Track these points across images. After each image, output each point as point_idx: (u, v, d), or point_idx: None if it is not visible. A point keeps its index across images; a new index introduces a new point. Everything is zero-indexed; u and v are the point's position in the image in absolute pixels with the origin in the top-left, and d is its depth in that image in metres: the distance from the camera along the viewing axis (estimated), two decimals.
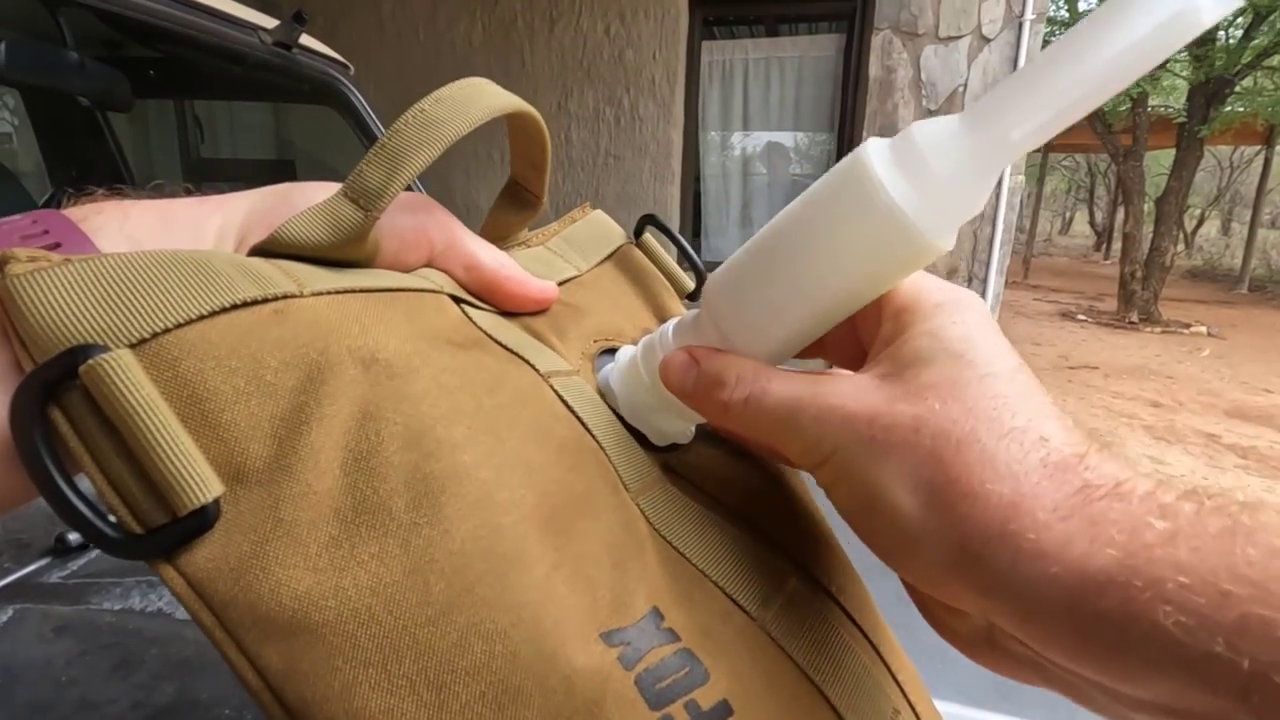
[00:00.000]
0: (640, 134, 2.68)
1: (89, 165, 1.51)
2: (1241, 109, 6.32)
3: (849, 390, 0.18)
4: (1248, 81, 6.03)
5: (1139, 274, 6.32)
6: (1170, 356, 5.31)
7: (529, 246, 0.29)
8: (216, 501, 0.15)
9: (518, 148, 0.27)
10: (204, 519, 0.14)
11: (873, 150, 0.17)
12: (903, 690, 0.22)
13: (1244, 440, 3.48)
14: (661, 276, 0.32)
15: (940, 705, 0.43)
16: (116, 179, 1.55)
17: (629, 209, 2.77)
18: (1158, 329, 6.26)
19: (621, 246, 0.32)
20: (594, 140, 2.72)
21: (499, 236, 0.29)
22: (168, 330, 0.15)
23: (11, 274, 0.14)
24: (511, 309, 0.24)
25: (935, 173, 0.16)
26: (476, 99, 0.21)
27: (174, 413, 0.15)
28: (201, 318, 0.15)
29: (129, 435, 0.14)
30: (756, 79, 2.82)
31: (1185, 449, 3.34)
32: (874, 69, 2.73)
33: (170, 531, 0.14)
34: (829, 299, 0.18)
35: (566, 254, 0.30)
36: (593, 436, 0.21)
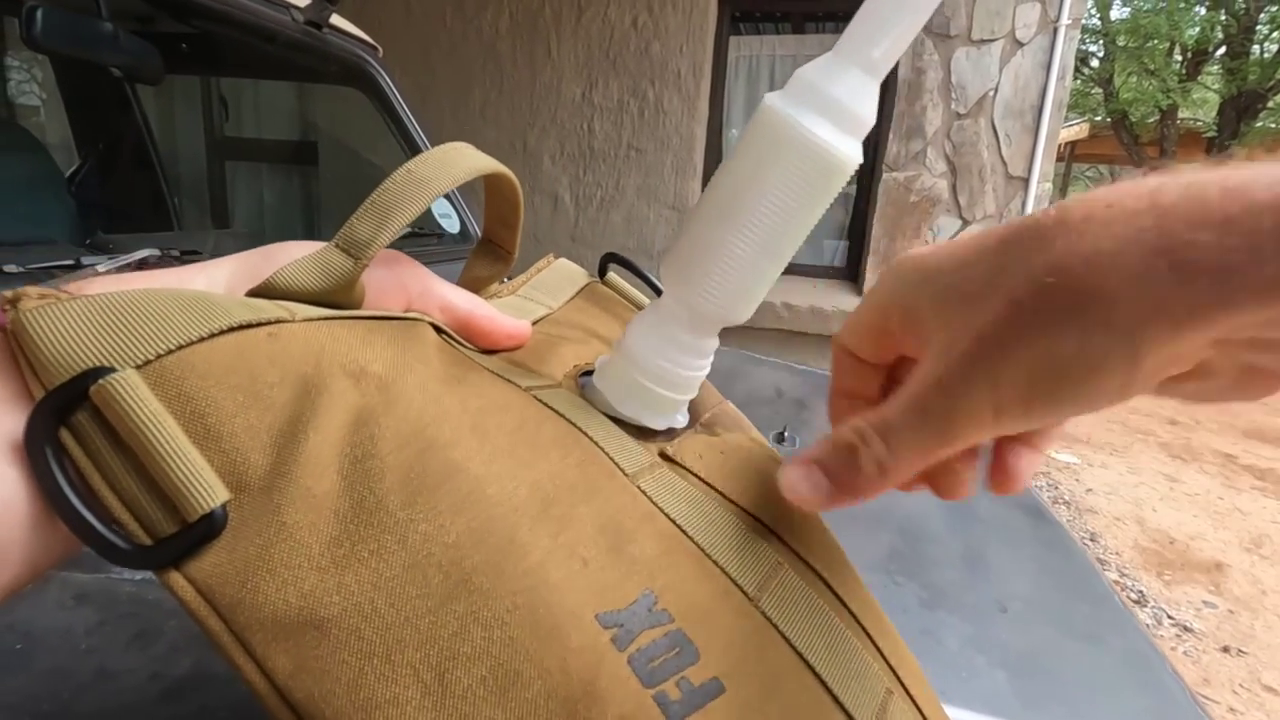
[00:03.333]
0: (664, 127, 2.67)
1: (116, 138, 1.52)
2: (1273, 124, 6.20)
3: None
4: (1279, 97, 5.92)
5: None
6: None
7: (500, 297, 0.31)
8: (224, 507, 0.16)
9: (492, 206, 0.29)
10: (212, 525, 0.15)
11: (774, 98, 0.20)
12: (895, 672, 0.23)
13: (1261, 461, 3.42)
14: (628, 304, 0.34)
15: (962, 714, 0.42)
16: (142, 153, 1.56)
17: (649, 202, 2.75)
18: None
19: (588, 284, 0.34)
20: (617, 132, 2.71)
21: (471, 289, 0.30)
22: (170, 352, 0.16)
23: (24, 308, 0.16)
24: (487, 346, 0.26)
25: (827, 98, 0.19)
26: (459, 160, 0.24)
27: (181, 427, 0.16)
28: (201, 339, 0.17)
29: (139, 448, 0.15)
30: (782, 76, 2.78)
31: (1201, 468, 3.29)
32: (903, 70, 2.70)
33: (180, 539, 0.15)
34: (773, 233, 0.20)
35: (536, 298, 0.32)
36: (582, 431, 0.22)
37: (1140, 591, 2.19)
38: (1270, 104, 5.81)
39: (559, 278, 0.34)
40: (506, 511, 0.18)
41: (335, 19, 1.15)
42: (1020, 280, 0.16)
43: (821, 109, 0.19)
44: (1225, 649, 1.94)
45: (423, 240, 1.19)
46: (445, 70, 2.73)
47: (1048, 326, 0.16)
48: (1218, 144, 5.90)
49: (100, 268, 0.62)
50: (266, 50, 1.08)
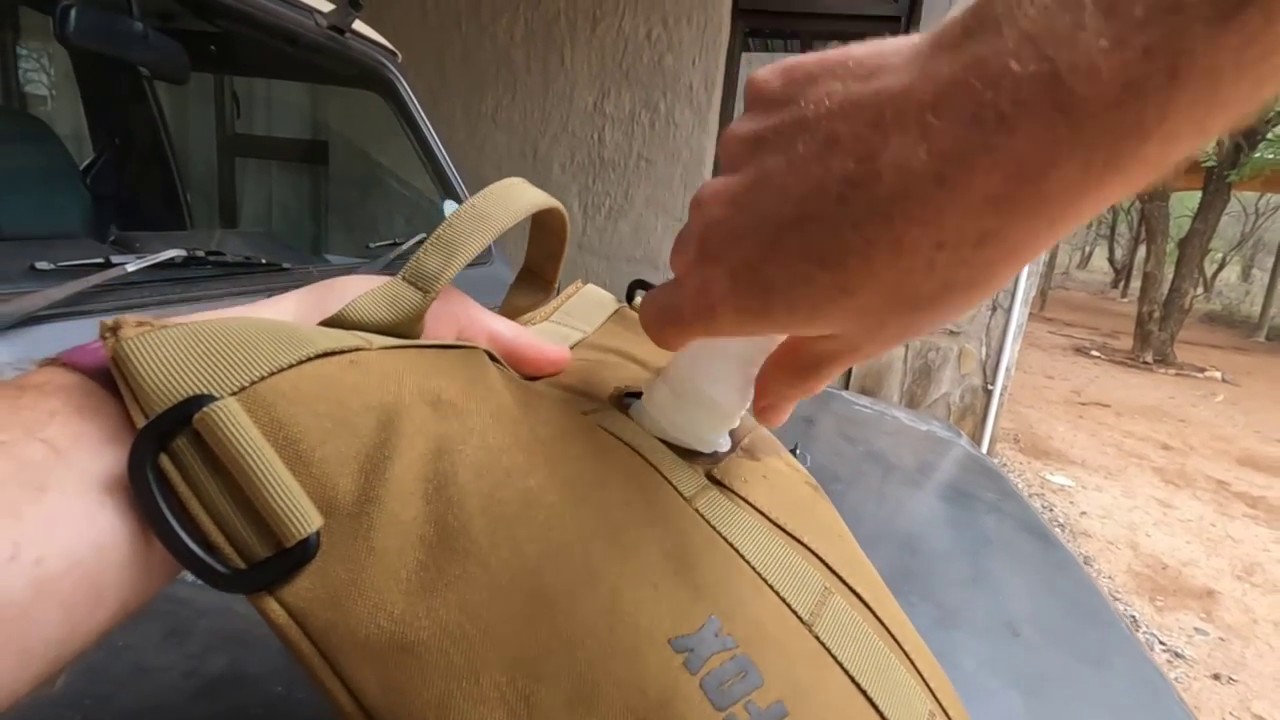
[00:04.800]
0: (674, 139, 2.69)
1: (131, 132, 1.52)
2: (1271, 156, 6.27)
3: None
4: (1279, 129, 5.99)
5: (1157, 314, 6.28)
6: (1184, 399, 5.27)
7: (533, 324, 0.32)
8: (317, 533, 0.16)
9: (538, 239, 0.30)
10: (306, 550, 0.16)
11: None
12: (935, 695, 0.23)
13: (1254, 489, 3.44)
14: None
15: None
16: (157, 147, 1.56)
17: (658, 213, 2.77)
18: (1172, 371, 6.21)
19: (618, 309, 0.35)
20: (628, 142, 2.73)
21: (509, 317, 0.31)
22: (263, 379, 0.16)
23: (124, 337, 0.16)
24: (531, 373, 0.27)
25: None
26: (518, 197, 0.25)
27: (276, 453, 0.16)
28: (290, 366, 0.17)
29: (240, 474, 0.16)
30: None
31: (1194, 494, 3.31)
32: None
33: (275, 564, 0.16)
34: None
35: (570, 323, 0.33)
36: (641, 456, 0.23)
37: (1133, 617, 2.20)
38: (1269, 135, 5.89)
39: (589, 303, 0.35)
40: (581, 538, 0.19)
41: (357, 24, 1.16)
42: None
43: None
44: (1216, 676, 1.94)
45: None
46: (458, 75, 2.75)
47: None
48: (1217, 173, 5.97)
49: (129, 267, 0.63)
50: (289, 52, 1.09)
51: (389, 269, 0.85)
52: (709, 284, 0.18)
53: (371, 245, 1.15)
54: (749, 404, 0.26)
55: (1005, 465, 3.38)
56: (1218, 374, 6.29)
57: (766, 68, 0.18)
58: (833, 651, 0.21)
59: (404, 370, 0.19)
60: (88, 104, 1.47)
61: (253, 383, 0.16)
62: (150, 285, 0.65)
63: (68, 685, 0.34)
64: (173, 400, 0.16)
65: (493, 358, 0.24)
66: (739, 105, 2.81)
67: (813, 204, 0.15)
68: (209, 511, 0.16)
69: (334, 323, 0.21)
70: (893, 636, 0.23)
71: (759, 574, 0.21)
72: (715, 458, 0.26)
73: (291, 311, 0.22)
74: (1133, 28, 0.11)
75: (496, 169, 2.84)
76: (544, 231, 0.29)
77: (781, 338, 0.22)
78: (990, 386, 2.77)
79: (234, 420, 0.15)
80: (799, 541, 0.24)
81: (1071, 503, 3.07)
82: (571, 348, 0.30)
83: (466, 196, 1.29)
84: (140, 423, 0.16)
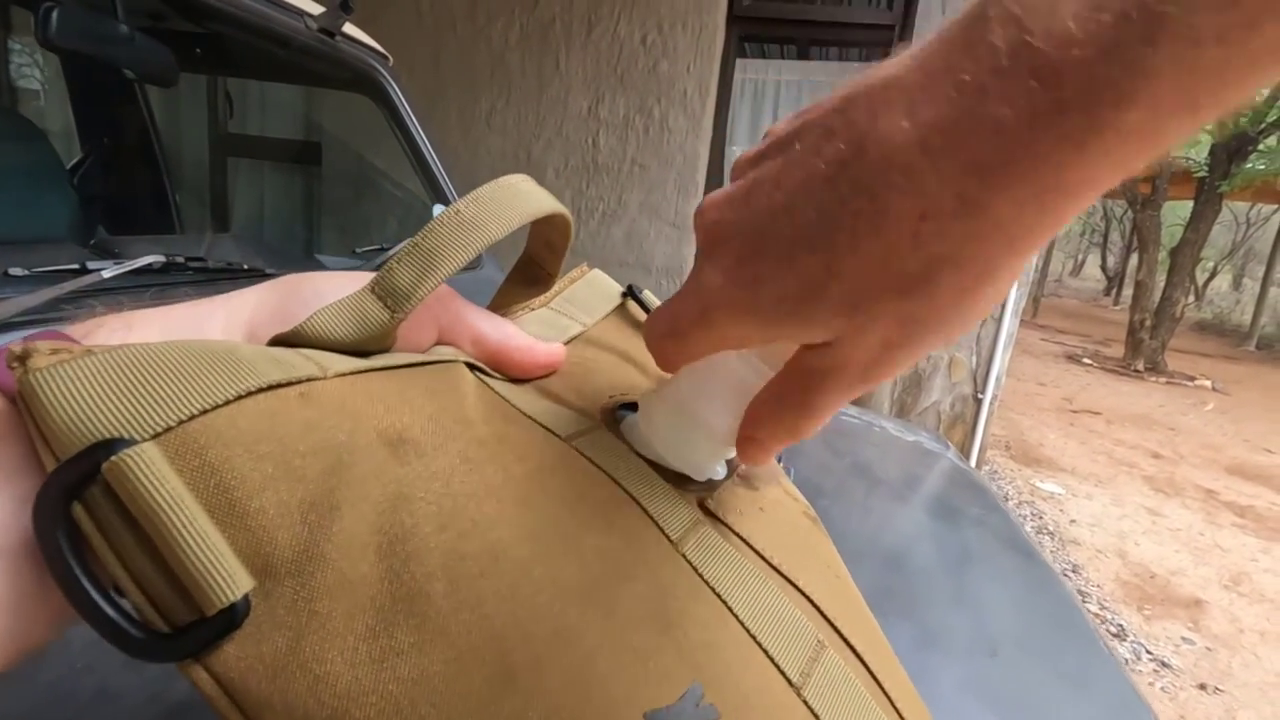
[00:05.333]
0: (668, 145, 2.69)
1: (119, 132, 1.51)
2: (1263, 167, 6.32)
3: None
4: (1271, 140, 6.03)
5: (1148, 323, 6.32)
6: (1174, 408, 5.30)
7: (532, 309, 0.29)
8: (246, 598, 0.14)
9: (539, 230, 0.27)
10: (233, 617, 0.14)
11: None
12: None
13: (1242, 499, 3.46)
14: None
15: None
16: (146, 148, 1.55)
17: (651, 218, 2.77)
18: (1163, 379, 6.25)
19: (623, 302, 0.32)
20: (622, 147, 2.73)
21: (504, 306, 0.29)
22: (194, 417, 0.15)
23: (34, 368, 0.14)
24: (520, 375, 0.25)
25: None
26: (514, 203, 0.22)
27: (200, 505, 0.14)
28: (228, 402, 0.15)
29: (153, 532, 0.14)
30: (787, 101, 2.83)
31: (1183, 503, 3.32)
32: None
33: (198, 631, 0.14)
34: None
35: (570, 312, 0.30)
36: (627, 492, 0.21)
37: (1120, 625, 2.21)
38: (1260, 147, 5.93)
39: (593, 292, 0.32)
40: (553, 596, 0.17)
41: (348, 27, 1.16)
42: None
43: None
44: (1202, 686, 1.95)
45: None
46: (453, 78, 2.74)
47: None
48: (1208, 184, 6.01)
49: (106, 273, 0.62)
50: (279, 55, 1.09)
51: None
52: (704, 285, 0.18)
53: (359, 250, 1.15)
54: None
55: (996, 472, 3.39)
56: (1208, 382, 6.33)
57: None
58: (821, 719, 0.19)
59: (362, 403, 0.17)
60: (76, 103, 1.46)
61: (181, 422, 0.14)
62: (127, 291, 0.64)
63: (32, 710, 0.34)
64: (85, 443, 0.14)
65: (474, 366, 0.22)
66: (734, 111, 2.81)
67: (803, 190, 0.15)
68: (127, 568, 0.14)
69: (291, 338, 0.19)
70: (885, 694, 0.22)
71: (748, 630, 0.20)
72: (710, 485, 0.24)
73: (249, 311, 0.21)
74: None
75: (490, 172, 2.81)
76: (547, 225, 0.26)
77: (778, 366, 0.21)
78: (980, 395, 2.78)
79: (147, 469, 0.14)
80: (793, 584, 0.22)
81: (1061, 510, 3.08)
82: (568, 341, 0.28)
83: (456, 199, 1.27)
84: (50, 467, 0.14)
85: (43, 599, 0.15)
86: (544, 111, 2.76)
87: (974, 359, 2.76)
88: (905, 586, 0.57)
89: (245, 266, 0.78)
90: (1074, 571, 2.54)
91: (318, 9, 1.09)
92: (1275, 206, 10.42)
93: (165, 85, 0.98)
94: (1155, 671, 2.00)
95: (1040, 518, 2.98)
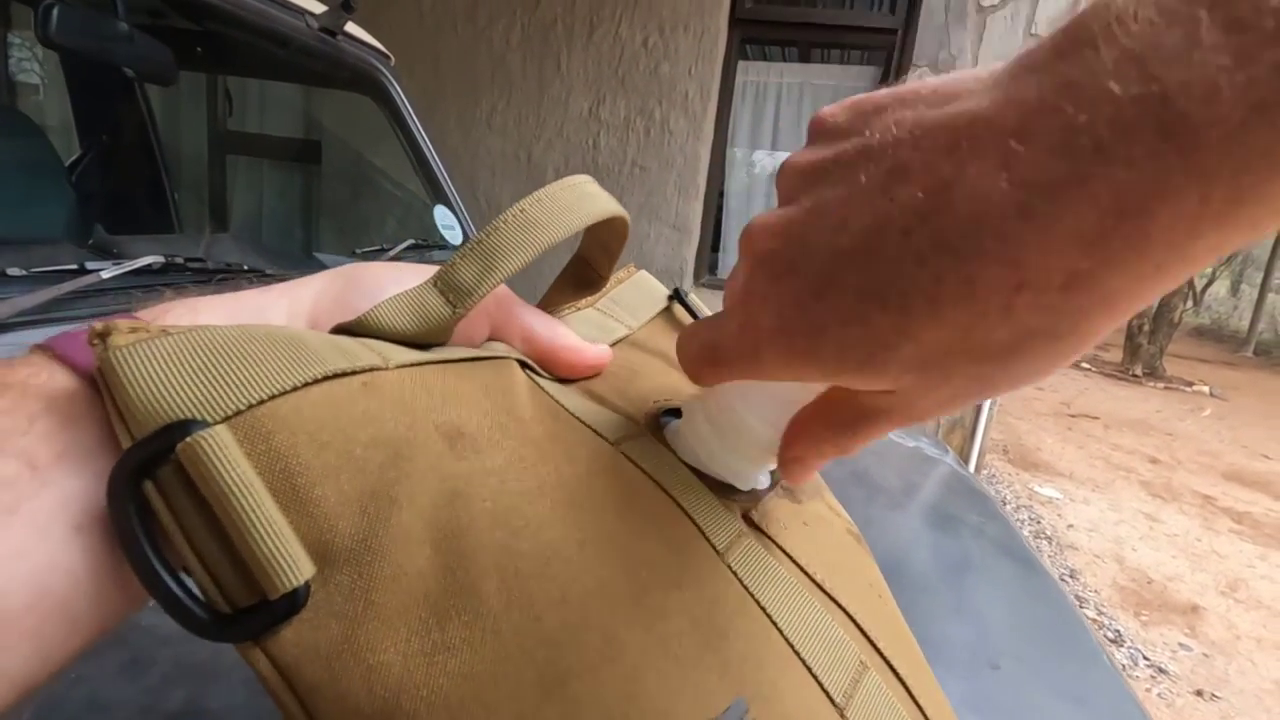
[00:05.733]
0: (669, 147, 2.68)
1: (118, 129, 1.50)
2: None
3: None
4: None
5: (1146, 327, 6.33)
6: (1171, 413, 5.30)
7: (578, 309, 0.29)
8: (307, 584, 0.14)
9: (595, 232, 0.26)
10: (294, 602, 0.14)
11: None
12: None
13: (1239, 505, 3.47)
14: None
15: None
16: (145, 145, 1.55)
17: (652, 220, 2.76)
18: (1160, 384, 6.26)
19: (669, 305, 0.32)
20: (622, 149, 2.73)
21: (552, 306, 0.29)
22: (262, 402, 0.15)
23: (114, 346, 0.14)
24: (568, 375, 0.25)
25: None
26: (578, 205, 0.22)
27: (268, 490, 0.14)
28: (295, 389, 0.15)
29: (223, 515, 0.14)
30: (789, 103, 2.82)
31: (1180, 508, 3.33)
32: None
33: (260, 614, 0.14)
34: None
35: (616, 314, 0.30)
36: (673, 499, 0.21)
37: (1117, 631, 2.21)
38: None
39: (640, 294, 0.32)
40: (603, 603, 0.17)
41: (350, 26, 1.15)
42: None
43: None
44: (1199, 693, 1.95)
45: (425, 252, 1.18)
46: (454, 78, 2.73)
47: None
48: None
49: (105, 274, 0.62)
50: (280, 54, 1.08)
51: None
52: (754, 322, 0.16)
53: (358, 251, 1.14)
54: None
55: (994, 477, 3.39)
56: (1205, 388, 6.34)
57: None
58: None
59: (421, 397, 0.17)
60: (75, 100, 1.45)
61: (250, 406, 0.15)
62: (127, 292, 0.64)
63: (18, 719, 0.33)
64: (161, 422, 0.14)
65: (525, 364, 0.22)
66: (735, 113, 2.81)
67: (874, 238, 0.14)
68: (194, 548, 0.14)
69: (353, 328, 0.19)
70: (926, 717, 0.22)
71: (792, 646, 0.19)
72: (753, 495, 0.24)
73: (311, 300, 0.21)
74: (1262, 42, 0.10)
75: (490, 173, 2.83)
76: (604, 229, 0.26)
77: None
78: None
79: (221, 454, 0.14)
80: (836, 603, 0.22)
81: (1059, 515, 3.08)
82: (614, 344, 0.28)
83: (457, 200, 1.27)
84: (126, 444, 0.14)
85: (117, 578, 0.15)
86: (544, 113, 2.76)
87: None
88: (906, 598, 0.57)
89: (245, 267, 0.78)
90: (1071, 576, 2.54)
91: (320, 8, 1.08)
92: None
93: (165, 84, 0.98)
94: (1152, 678, 2.00)
95: (1038, 522, 2.98)
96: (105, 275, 0.62)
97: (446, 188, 1.26)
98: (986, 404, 2.78)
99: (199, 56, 1.33)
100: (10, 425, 0.14)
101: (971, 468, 2.83)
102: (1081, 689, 0.50)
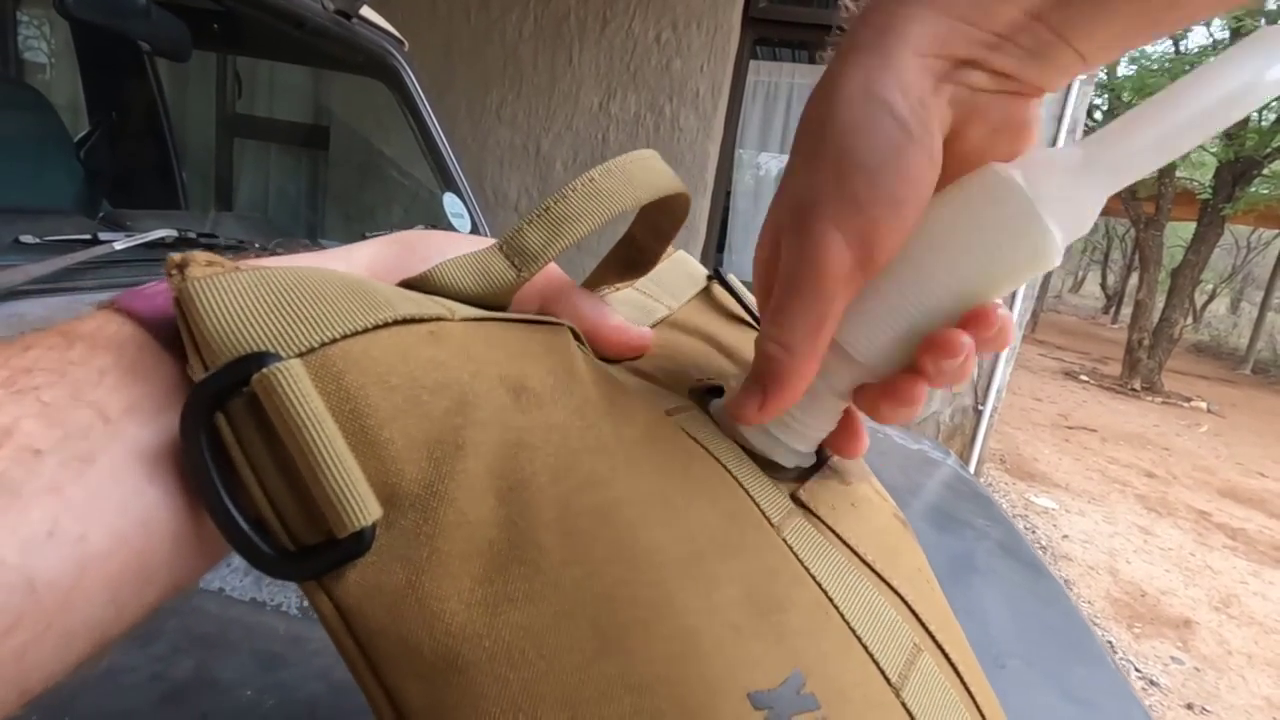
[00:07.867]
0: (678, 144, 2.68)
1: (128, 106, 1.50)
2: (1266, 191, 6.33)
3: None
4: (1276, 165, 6.04)
5: (1146, 342, 6.33)
6: (1169, 428, 5.31)
7: (617, 289, 0.29)
8: (373, 525, 0.14)
9: (651, 214, 0.26)
10: (361, 543, 0.14)
11: (1000, 166, 0.19)
12: None
13: (1234, 521, 3.48)
14: (746, 312, 0.32)
15: None
16: (154, 124, 1.54)
17: None
18: (1159, 399, 6.26)
19: (707, 285, 0.32)
20: (632, 144, 2.72)
21: (595, 286, 0.29)
22: (335, 340, 0.15)
23: (192, 276, 0.14)
24: (612, 355, 0.25)
25: (1073, 204, 0.18)
26: (645, 177, 0.22)
27: (339, 428, 0.14)
28: (365, 330, 0.15)
29: (295, 449, 0.14)
30: (799, 105, 2.82)
31: (1175, 523, 3.33)
32: None
33: (325, 553, 0.14)
34: (951, 295, 0.20)
35: (656, 294, 0.30)
36: (727, 469, 0.21)
37: (1110, 642, 2.21)
38: (1266, 171, 5.94)
39: (679, 274, 0.32)
40: (660, 565, 0.17)
41: (365, 10, 1.15)
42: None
43: (1062, 215, 0.18)
44: (1189, 706, 1.96)
45: None
46: (465, 68, 2.73)
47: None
48: (1212, 206, 6.03)
49: (118, 245, 0.61)
50: (294, 35, 1.08)
51: None
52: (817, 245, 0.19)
53: (368, 235, 1.14)
54: (834, 426, 0.24)
55: (991, 485, 3.39)
56: (1203, 404, 6.35)
57: None
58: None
59: (485, 350, 0.17)
60: (86, 75, 1.45)
61: (323, 344, 0.14)
62: (138, 264, 0.63)
63: None
64: (237, 353, 0.14)
65: (576, 337, 0.22)
66: (745, 112, 2.81)
67: None
68: (262, 483, 0.14)
69: (416, 284, 0.19)
70: (978, 707, 0.21)
71: (847, 623, 0.19)
72: (800, 477, 0.23)
73: (365, 265, 0.21)
74: None
75: (498, 164, 2.82)
76: (661, 210, 0.25)
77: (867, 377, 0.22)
78: (980, 407, 2.78)
79: (296, 386, 0.14)
80: (889, 585, 0.22)
81: (1054, 525, 3.08)
82: (654, 324, 0.28)
83: (467, 189, 1.27)
84: (200, 375, 0.14)
85: (190, 531, 0.15)
86: (555, 106, 2.75)
87: (975, 371, 2.76)
88: None
89: (256, 245, 0.78)
90: (1065, 587, 2.54)
91: None
92: (1276, 232, 10.47)
93: (179, 60, 0.97)
94: (1143, 690, 2.00)
95: (1033, 532, 2.98)
96: (118, 247, 0.62)
97: (457, 176, 1.25)
98: (986, 413, 2.78)
99: (214, 34, 1.33)
100: (82, 377, 0.14)
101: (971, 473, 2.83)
102: (1088, 692, 0.50)
